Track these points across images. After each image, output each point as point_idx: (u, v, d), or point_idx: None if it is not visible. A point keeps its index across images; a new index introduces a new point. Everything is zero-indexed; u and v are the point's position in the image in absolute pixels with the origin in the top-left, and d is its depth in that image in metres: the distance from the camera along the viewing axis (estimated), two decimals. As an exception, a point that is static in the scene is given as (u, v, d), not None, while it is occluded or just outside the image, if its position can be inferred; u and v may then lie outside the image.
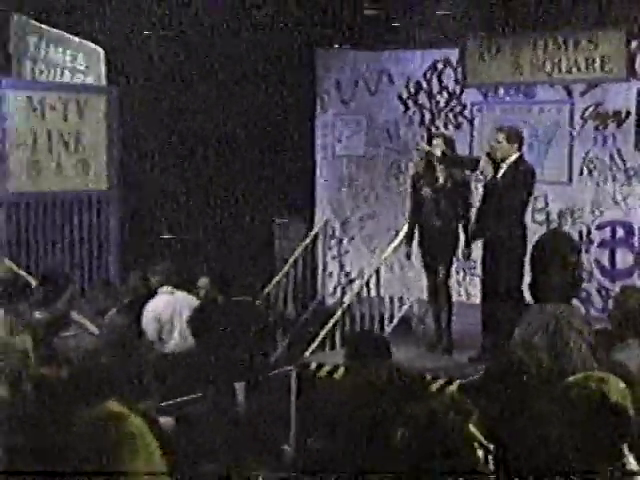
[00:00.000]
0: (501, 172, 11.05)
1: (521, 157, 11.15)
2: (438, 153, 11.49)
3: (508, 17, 13.39)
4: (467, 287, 13.80)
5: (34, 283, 11.23)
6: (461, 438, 4.54)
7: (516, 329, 8.09)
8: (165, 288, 11.48)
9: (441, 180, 11.57)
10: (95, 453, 5.02)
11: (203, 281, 11.54)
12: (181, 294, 11.46)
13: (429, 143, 12.00)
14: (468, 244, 11.77)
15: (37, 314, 10.00)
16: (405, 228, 12.86)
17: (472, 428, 4.60)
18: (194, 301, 11.31)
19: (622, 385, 4.86)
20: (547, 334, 7.84)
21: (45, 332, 9.67)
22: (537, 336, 7.78)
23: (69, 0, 13.52)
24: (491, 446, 4.60)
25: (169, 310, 11.25)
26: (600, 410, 4.66)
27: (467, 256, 11.93)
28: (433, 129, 14.39)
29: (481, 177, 11.46)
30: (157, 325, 11.24)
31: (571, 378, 5.07)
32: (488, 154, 11.26)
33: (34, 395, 6.91)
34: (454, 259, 11.89)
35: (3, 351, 6.94)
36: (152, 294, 11.55)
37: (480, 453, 4.53)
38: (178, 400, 10.31)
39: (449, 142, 11.81)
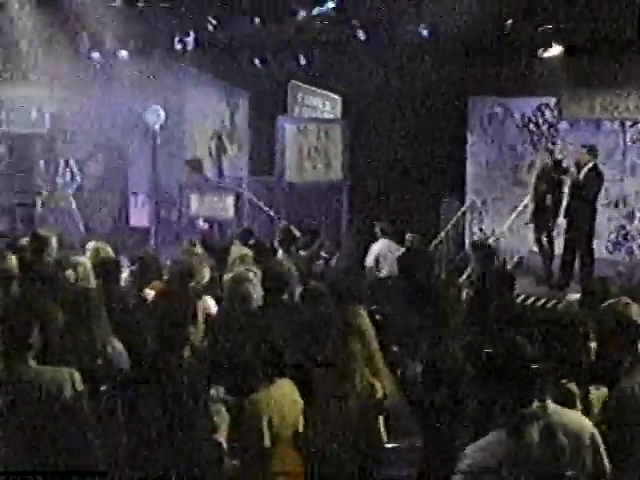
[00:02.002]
0: (582, 174, 10.94)
1: (596, 165, 11.05)
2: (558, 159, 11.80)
3: (587, 78, 13.01)
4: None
5: (299, 234, 11.27)
6: (581, 332, 4.39)
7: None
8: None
9: (548, 179, 11.47)
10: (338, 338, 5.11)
11: (409, 235, 11.40)
12: (390, 241, 11.08)
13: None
14: (555, 217, 11.52)
15: (301, 252, 10.22)
16: (521, 206, 12.91)
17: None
18: (398, 247, 10.78)
19: None
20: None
21: (305, 263, 9.86)
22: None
23: (320, 69, 13.77)
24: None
25: (385, 250, 10.92)
26: (624, 324, 4.48)
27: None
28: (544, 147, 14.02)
29: (568, 177, 11.20)
30: (375, 257, 10.97)
31: (607, 302, 4.92)
32: (576, 163, 11.12)
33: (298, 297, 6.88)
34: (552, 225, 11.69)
35: (284, 271, 7.04)
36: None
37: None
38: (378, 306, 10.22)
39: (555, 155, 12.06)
